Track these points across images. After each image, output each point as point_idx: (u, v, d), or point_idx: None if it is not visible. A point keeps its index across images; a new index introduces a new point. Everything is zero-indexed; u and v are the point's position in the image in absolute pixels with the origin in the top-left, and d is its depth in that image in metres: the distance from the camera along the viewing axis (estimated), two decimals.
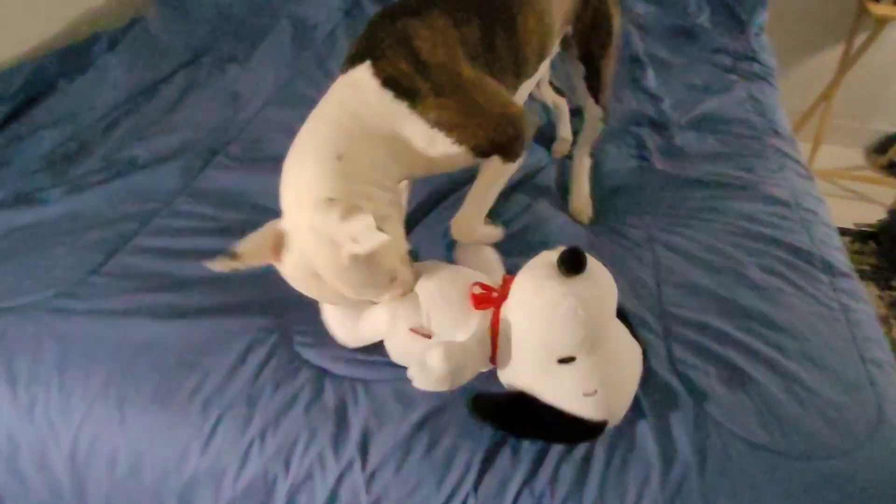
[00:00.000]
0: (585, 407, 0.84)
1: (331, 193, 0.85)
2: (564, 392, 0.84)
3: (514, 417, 0.87)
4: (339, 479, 0.90)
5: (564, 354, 0.81)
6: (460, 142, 0.96)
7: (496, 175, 1.05)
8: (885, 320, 2.04)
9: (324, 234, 0.83)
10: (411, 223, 1.23)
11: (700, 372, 0.98)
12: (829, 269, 1.18)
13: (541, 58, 1.13)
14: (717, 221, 1.25)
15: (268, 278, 1.08)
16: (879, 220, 2.34)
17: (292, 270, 0.89)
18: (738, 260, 1.16)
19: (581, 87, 1.30)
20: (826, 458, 0.89)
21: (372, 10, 1.89)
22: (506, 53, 1.03)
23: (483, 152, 1.00)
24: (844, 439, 0.91)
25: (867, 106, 2.66)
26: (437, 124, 0.93)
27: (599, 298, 0.82)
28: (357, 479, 0.89)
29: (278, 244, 0.88)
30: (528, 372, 0.86)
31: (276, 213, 1.20)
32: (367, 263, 0.84)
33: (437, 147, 0.95)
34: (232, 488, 0.92)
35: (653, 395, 0.95)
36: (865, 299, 1.15)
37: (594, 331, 0.80)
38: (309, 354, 0.99)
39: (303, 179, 0.88)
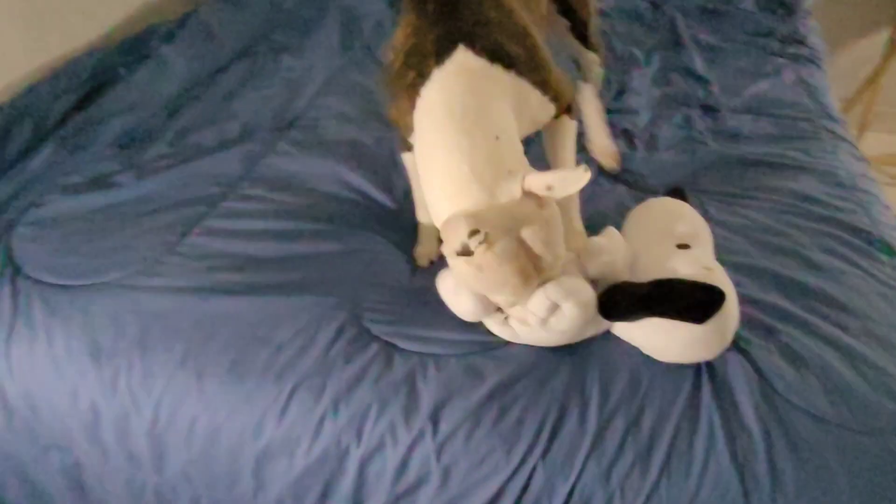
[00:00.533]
0: (706, 278, 0.95)
1: (509, 167, 0.87)
2: (688, 270, 0.97)
3: (647, 300, 0.94)
4: (410, 448, 0.93)
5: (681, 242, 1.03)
6: (553, 99, 1.03)
7: (572, 132, 1.12)
8: None
9: (518, 200, 0.85)
10: None
11: (763, 349, 0.99)
12: (889, 249, 1.18)
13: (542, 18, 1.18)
14: (773, 201, 1.25)
15: (336, 259, 1.13)
16: None
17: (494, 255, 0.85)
18: (796, 239, 1.17)
19: (569, 39, 1.35)
20: (893, 434, 0.90)
21: None
22: (536, 14, 1.11)
23: (563, 109, 1.07)
24: None
25: None
26: (536, 84, 0.99)
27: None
28: (428, 448, 0.92)
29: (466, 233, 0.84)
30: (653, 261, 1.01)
31: (332, 196, 1.25)
32: (557, 224, 0.89)
33: (539, 107, 1.01)
34: (305, 457, 0.96)
35: (716, 370, 0.96)
36: None
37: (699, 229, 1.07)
38: (378, 330, 1.02)
39: (475, 164, 0.87)
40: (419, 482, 0.93)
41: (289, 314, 1.04)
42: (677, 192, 1.18)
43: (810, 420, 0.91)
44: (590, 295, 0.95)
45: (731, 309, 0.96)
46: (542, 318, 0.93)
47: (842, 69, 2.56)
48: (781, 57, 1.77)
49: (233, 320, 1.03)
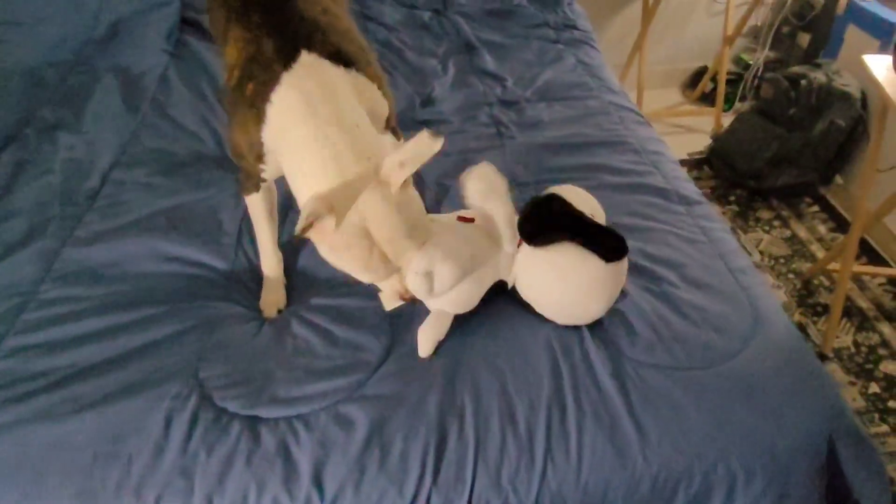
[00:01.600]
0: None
1: (369, 154, 0.89)
2: None
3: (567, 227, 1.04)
4: None
5: None
6: (386, 96, 1.08)
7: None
8: (731, 231, 2.31)
9: (381, 179, 0.87)
10: None
11: (606, 319, 1.07)
12: (684, 200, 1.33)
13: None
14: (580, 178, 1.35)
15: (171, 342, 1.04)
16: (706, 146, 2.63)
17: (342, 235, 0.87)
18: (616, 211, 1.26)
19: None
20: (725, 362, 1.01)
21: (199, 46, 1.82)
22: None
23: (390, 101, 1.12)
24: (733, 342, 1.04)
25: (674, 48, 2.97)
26: (371, 79, 1.04)
27: None
28: None
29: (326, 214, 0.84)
30: None
31: (152, 274, 1.15)
32: (413, 202, 0.91)
33: (377, 101, 1.06)
34: None
35: (571, 351, 1.02)
36: (718, 218, 1.32)
37: None
38: (235, 406, 0.96)
39: (339, 152, 0.89)
40: None
41: (131, 419, 0.94)
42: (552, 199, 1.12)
43: (657, 372, 1.00)
44: (461, 251, 0.99)
45: (623, 268, 1.06)
46: (426, 289, 0.96)
47: (612, 41, 2.85)
48: (559, 43, 1.93)
49: (66, 446, 0.91)
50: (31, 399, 0.96)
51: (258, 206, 1.14)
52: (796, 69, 2.39)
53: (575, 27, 1.99)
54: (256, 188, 1.11)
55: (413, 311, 1.07)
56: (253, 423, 0.94)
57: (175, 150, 1.46)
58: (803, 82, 2.30)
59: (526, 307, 1.07)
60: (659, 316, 1.07)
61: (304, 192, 0.89)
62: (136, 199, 1.32)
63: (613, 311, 1.07)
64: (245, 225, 1.27)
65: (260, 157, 1.02)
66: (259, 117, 0.96)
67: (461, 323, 1.06)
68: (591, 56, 1.88)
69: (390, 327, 1.07)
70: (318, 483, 0.90)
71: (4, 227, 1.24)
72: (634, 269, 1.14)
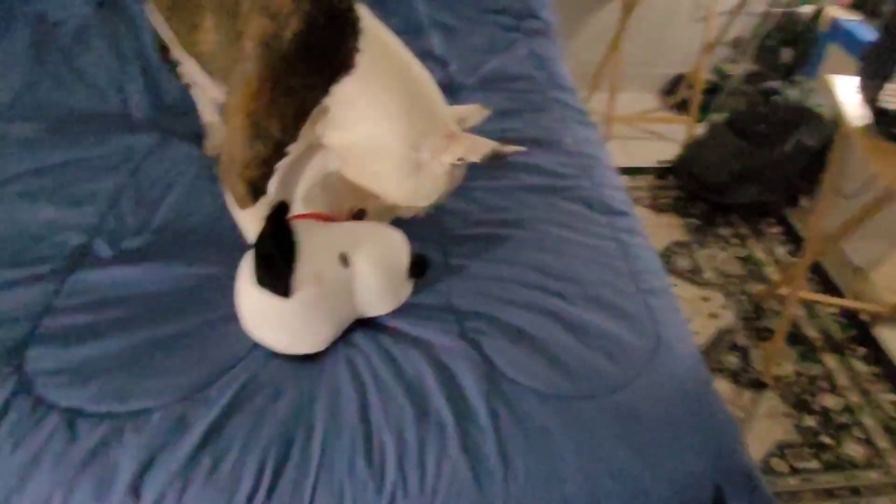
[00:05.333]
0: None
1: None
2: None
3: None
4: None
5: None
6: None
7: None
8: (686, 245, 2.23)
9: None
10: None
11: (488, 335, 0.97)
12: (607, 209, 1.23)
13: None
14: (506, 178, 1.25)
15: None
16: (676, 156, 2.54)
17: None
18: (526, 217, 1.17)
19: None
20: (610, 393, 0.92)
21: (129, 1, 1.70)
22: None
23: None
24: (626, 371, 0.95)
25: (653, 52, 2.86)
26: None
27: None
28: None
29: None
30: None
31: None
32: None
33: None
34: None
35: (444, 365, 0.93)
36: (641, 233, 1.21)
37: None
38: (58, 395, 0.86)
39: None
40: None
41: None
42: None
43: (535, 397, 0.90)
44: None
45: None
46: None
47: (588, 38, 2.74)
48: (517, 31, 1.81)
49: None
50: None
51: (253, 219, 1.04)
52: (771, 83, 2.30)
53: (536, 16, 1.88)
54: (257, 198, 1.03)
55: None
56: (73, 417, 0.84)
57: (73, 105, 1.35)
58: (776, 98, 2.21)
59: None
60: (548, 335, 0.97)
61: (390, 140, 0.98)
62: (16, 155, 1.22)
63: (499, 323, 0.98)
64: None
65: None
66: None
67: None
68: (546, 49, 1.77)
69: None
70: (135, 491, 0.80)
71: None
72: (531, 283, 1.05)
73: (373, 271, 0.95)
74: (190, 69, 1.17)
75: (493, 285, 1.05)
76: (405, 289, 1.01)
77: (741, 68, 2.69)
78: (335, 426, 0.86)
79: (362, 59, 0.97)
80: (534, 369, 0.93)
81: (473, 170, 1.27)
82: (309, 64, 0.94)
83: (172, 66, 1.29)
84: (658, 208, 2.38)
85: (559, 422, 0.88)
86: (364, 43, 0.97)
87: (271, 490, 0.82)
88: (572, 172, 1.30)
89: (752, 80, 2.67)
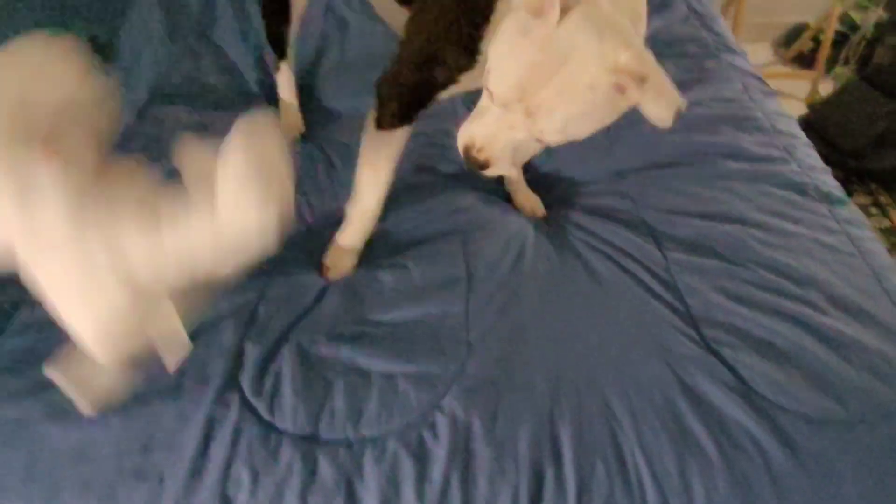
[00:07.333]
0: None
1: None
2: None
3: None
4: None
5: None
6: None
7: None
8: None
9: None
10: None
11: (733, 346, 0.88)
12: (825, 197, 1.10)
13: None
14: (705, 165, 1.13)
15: (211, 336, 0.88)
16: (801, 116, 2.35)
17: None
18: (741, 208, 1.05)
19: None
20: (883, 418, 0.82)
21: None
22: None
23: None
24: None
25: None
26: None
27: None
28: None
29: None
30: None
31: None
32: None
33: None
34: None
35: (686, 384, 0.84)
36: (866, 223, 1.09)
37: None
38: (285, 423, 0.79)
39: None
40: None
41: (163, 429, 0.78)
42: None
43: (803, 422, 0.81)
44: None
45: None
46: None
47: None
48: None
49: (88, 454, 0.76)
50: (45, 392, 0.78)
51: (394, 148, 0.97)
52: None
53: None
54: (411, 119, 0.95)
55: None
56: (309, 445, 0.78)
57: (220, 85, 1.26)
58: None
59: None
60: (802, 349, 0.87)
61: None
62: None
63: (740, 332, 0.88)
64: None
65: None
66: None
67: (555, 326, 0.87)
68: (701, 3, 1.60)
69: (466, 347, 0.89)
70: None
71: None
72: (767, 286, 0.94)
73: None
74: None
75: (726, 287, 0.94)
76: None
77: (875, 16, 2.45)
78: (584, 449, 0.79)
79: None
80: (794, 389, 0.83)
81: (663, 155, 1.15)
82: None
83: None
84: None
85: (837, 450, 0.79)
86: None
87: None
88: (777, 155, 1.16)
89: (884, 31, 2.43)
